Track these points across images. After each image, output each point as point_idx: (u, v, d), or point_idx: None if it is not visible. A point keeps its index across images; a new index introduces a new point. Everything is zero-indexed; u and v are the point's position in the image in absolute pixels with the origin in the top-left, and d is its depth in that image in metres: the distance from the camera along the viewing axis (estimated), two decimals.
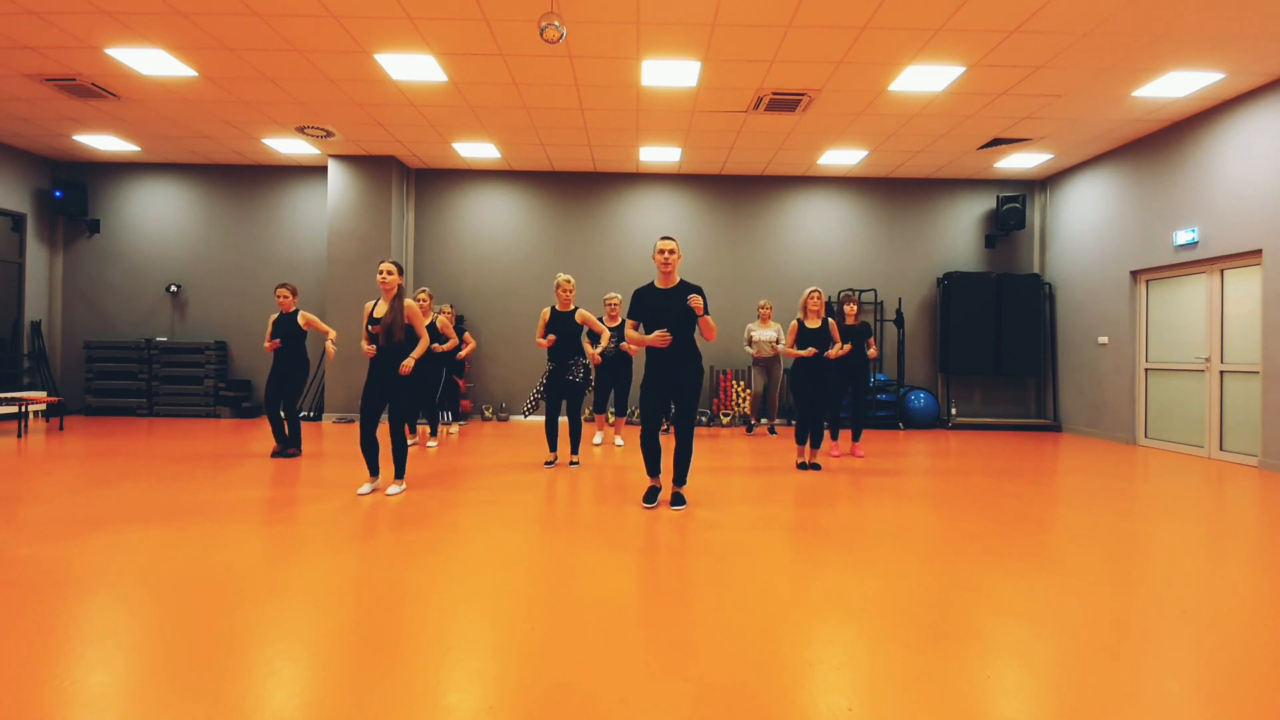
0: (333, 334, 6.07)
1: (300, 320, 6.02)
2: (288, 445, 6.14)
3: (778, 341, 8.19)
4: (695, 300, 4.03)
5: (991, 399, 9.78)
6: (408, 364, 4.47)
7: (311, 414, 9.40)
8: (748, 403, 9.19)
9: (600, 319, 6.84)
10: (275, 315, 6.08)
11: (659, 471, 4.41)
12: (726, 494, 4.80)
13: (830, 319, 5.90)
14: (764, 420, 8.38)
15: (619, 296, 7.00)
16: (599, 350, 6.14)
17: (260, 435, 7.60)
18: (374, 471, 4.69)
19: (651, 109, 7.22)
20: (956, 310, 9.41)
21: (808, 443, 5.84)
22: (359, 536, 3.60)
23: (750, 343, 8.27)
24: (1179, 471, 6.16)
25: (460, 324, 9.38)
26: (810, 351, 5.69)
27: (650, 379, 4.23)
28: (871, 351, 6.47)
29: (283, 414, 6.11)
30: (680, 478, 4.37)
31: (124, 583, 2.85)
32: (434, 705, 1.90)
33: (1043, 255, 9.80)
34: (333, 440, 7.29)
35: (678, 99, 6.92)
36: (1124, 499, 4.86)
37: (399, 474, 4.72)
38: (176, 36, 5.68)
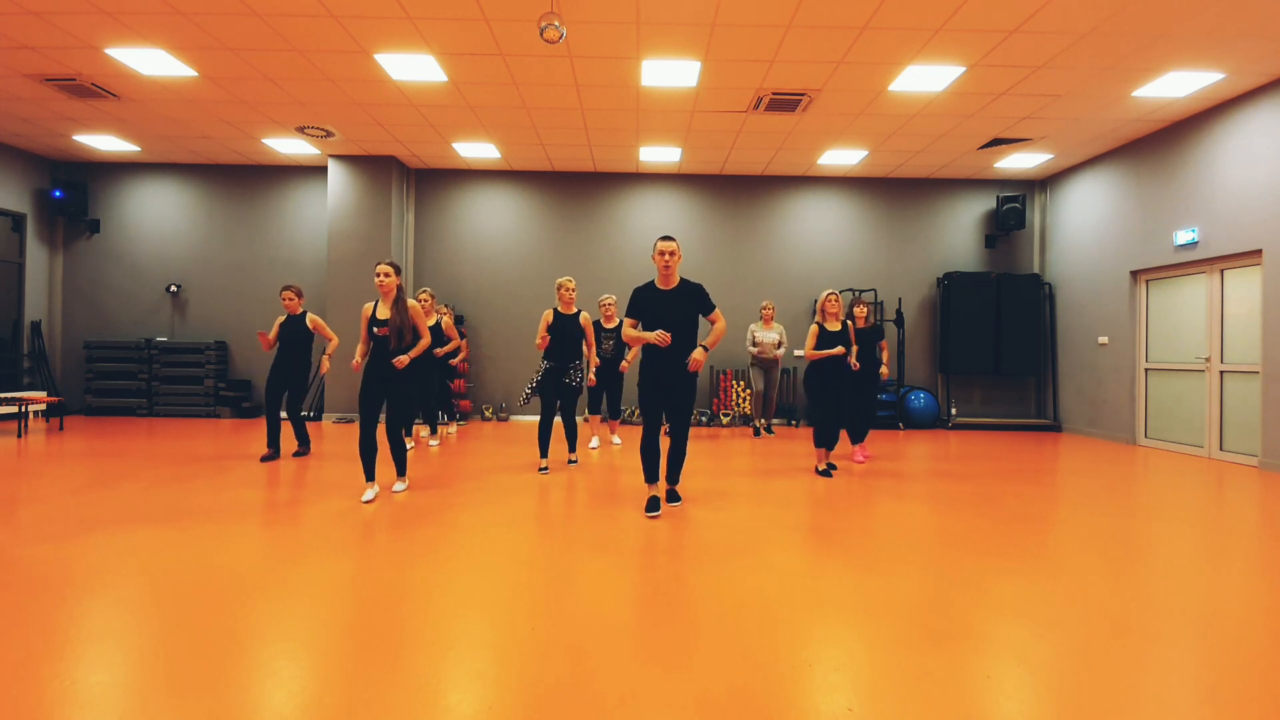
0: (335, 341, 5.99)
1: (308, 322, 6.00)
2: (289, 444, 6.11)
3: (780, 345, 8.17)
4: (696, 361, 4.01)
5: (991, 399, 9.78)
6: (403, 359, 4.41)
7: (311, 414, 9.39)
8: (748, 403, 9.19)
9: (596, 321, 6.84)
10: (282, 318, 6.05)
11: (657, 478, 4.31)
12: (727, 494, 4.80)
13: (849, 321, 5.85)
14: (763, 420, 8.39)
15: (614, 298, 7.00)
16: (596, 352, 6.06)
17: (260, 435, 7.59)
18: (370, 476, 4.56)
19: (651, 109, 7.22)
20: (956, 310, 9.41)
21: (825, 447, 5.77)
22: (359, 537, 3.60)
23: (754, 343, 8.26)
24: (1179, 471, 6.16)
25: (459, 324, 9.40)
26: (840, 350, 5.56)
27: (647, 378, 4.19)
28: (884, 357, 6.45)
29: (284, 415, 6.07)
30: (674, 476, 4.40)
31: (124, 583, 2.85)
32: (434, 705, 1.90)
33: (1043, 255, 9.80)
34: (333, 441, 7.29)
35: (678, 99, 6.92)
36: (1124, 499, 4.86)
37: (401, 472, 4.75)
38: (176, 36, 5.68)
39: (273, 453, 6.01)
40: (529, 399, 5.85)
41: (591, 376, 6.05)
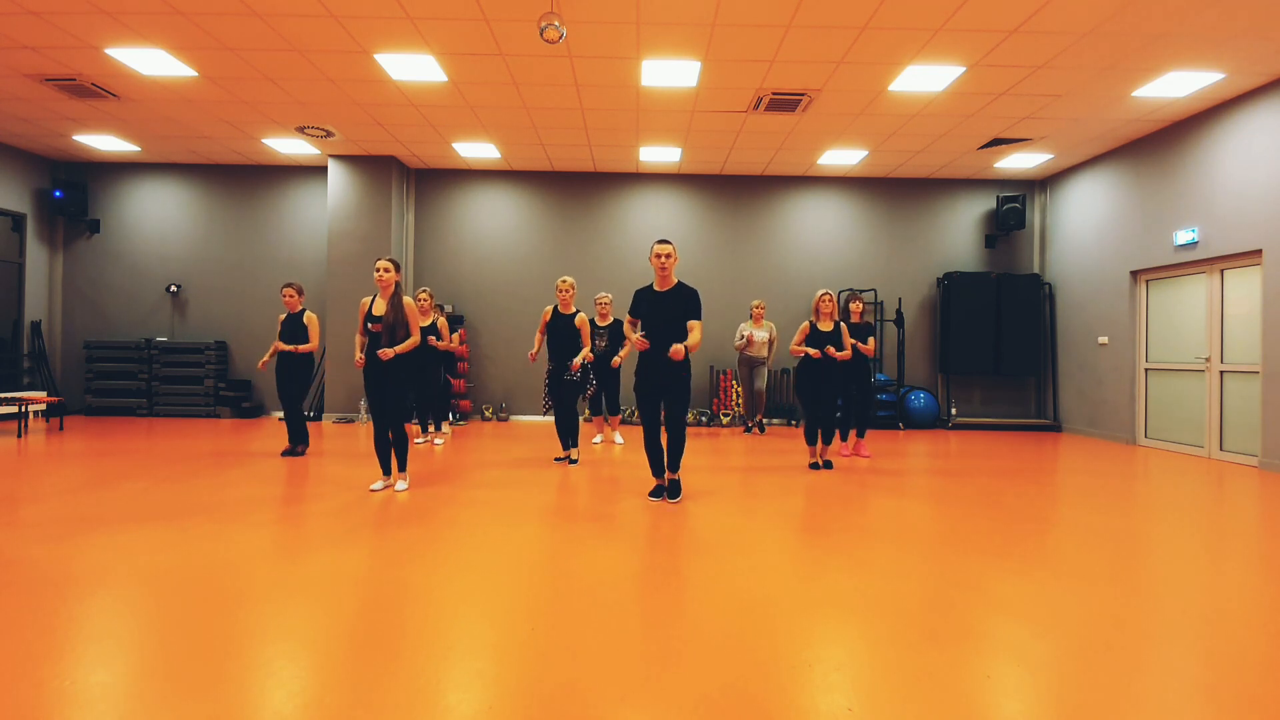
0: (315, 349, 6.00)
1: (304, 319, 6.04)
2: (295, 442, 6.16)
3: (770, 344, 8.17)
4: (676, 350, 4.12)
5: (991, 399, 9.78)
6: (387, 352, 4.46)
7: (311, 414, 9.40)
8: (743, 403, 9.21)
9: (591, 320, 6.88)
10: (284, 315, 6.10)
11: (663, 471, 4.57)
12: (727, 493, 4.80)
13: (842, 323, 5.88)
14: (757, 418, 8.41)
15: (610, 296, 7.02)
16: (588, 350, 6.02)
17: (260, 435, 7.60)
18: (386, 471, 4.80)
19: (651, 109, 7.22)
20: (956, 310, 9.41)
21: (818, 443, 5.83)
22: (359, 536, 3.60)
23: (741, 337, 8.25)
24: (1179, 471, 6.15)
25: (460, 323, 9.41)
26: (816, 353, 5.66)
27: (641, 377, 4.42)
28: (869, 348, 6.35)
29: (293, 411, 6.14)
30: (674, 464, 4.51)
31: (124, 583, 2.85)
32: (434, 705, 1.90)
33: (1043, 255, 9.80)
34: (333, 440, 7.29)
35: (678, 99, 6.92)
36: (1124, 499, 4.86)
37: (402, 467, 4.80)
38: (176, 36, 5.68)
39: (290, 447, 6.18)
40: (549, 404, 5.93)
41: (589, 354, 5.99)
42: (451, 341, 7.04)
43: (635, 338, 4.29)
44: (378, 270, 4.56)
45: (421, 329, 6.50)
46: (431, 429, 7.07)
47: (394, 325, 4.54)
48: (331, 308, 9.13)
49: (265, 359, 6.05)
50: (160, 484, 4.87)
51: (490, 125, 7.83)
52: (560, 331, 5.80)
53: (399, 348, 4.56)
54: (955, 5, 5.01)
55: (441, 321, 6.74)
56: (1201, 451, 7.17)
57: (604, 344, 6.80)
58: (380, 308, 4.60)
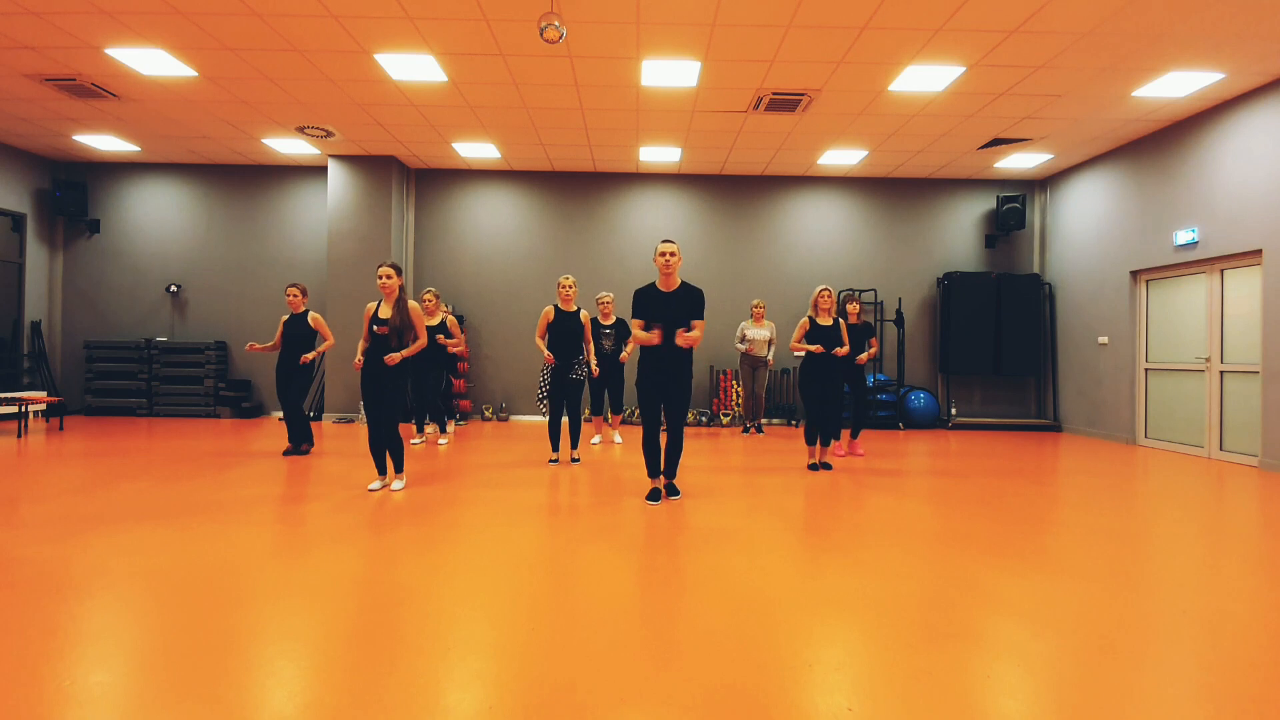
0: (331, 342, 6.06)
1: (310, 321, 6.04)
2: (299, 442, 6.17)
3: (770, 344, 8.17)
4: (688, 338, 4.22)
5: (991, 399, 9.78)
6: (394, 357, 4.50)
7: (312, 414, 9.40)
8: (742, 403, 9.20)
9: (594, 319, 6.90)
10: (286, 316, 6.09)
11: (658, 474, 4.55)
12: (726, 494, 4.80)
13: (841, 319, 5.88)
14: (756, 419, 8.40)
15: (611, 296, 7.03)
16: (594, 350, 6.15)
17: (260, 435, 7.60)
18: (382, 472, 4.82)
19: (651, 109, 7.22)
20: (956, 310, 9.41)
21: (818, 443, 5.82)
22: (359, 536, 3.60)
23: (742, 340, 8.24)
24: (1179, 471, 6.15)
25: (460, 323, 9.41)
26: (819, 348, 5.63)
27: (645, 377, 4.39)
28: (871, 351, 6.40)
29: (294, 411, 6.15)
30: (671, 470, 4.55)
31: (124, 582, 2.85)
32: (434, 705, 1.90)
33: (1043, 255, 9.80)
34: (333, 440, 7.29)
35: (678, 99, 6.92)
36: (1124, 499, 4.86)
37: (399, 468, 4.81)
38: (176, 36, 5.68)
39: (292, 447, 6.20)
40: (544, 400, 5.89)
41: (595, 367, 6.17)
42: (460, 339, 7.03)
43: (644, 335, 4.30)
44: (380, 277, 4.57)
45: (427, 329, 6.55)
46: (429, 430, 7.07)
47: (401, 329, 4.57)
48: (331, 308, 9.12)
49: (261, 347, 6.05)
50: (160, 484, 4.87)
51: (490, 125, 7.83)
52: (563, 330, 5.78)
53: (406, 351, 4.58)
54: (955, 5, 5.01)
55: (451, 320, 6.79)
56: (1201, 451, 7.17)
57: (609, 344, 6.81)
58: (386, 311, 4.62)
